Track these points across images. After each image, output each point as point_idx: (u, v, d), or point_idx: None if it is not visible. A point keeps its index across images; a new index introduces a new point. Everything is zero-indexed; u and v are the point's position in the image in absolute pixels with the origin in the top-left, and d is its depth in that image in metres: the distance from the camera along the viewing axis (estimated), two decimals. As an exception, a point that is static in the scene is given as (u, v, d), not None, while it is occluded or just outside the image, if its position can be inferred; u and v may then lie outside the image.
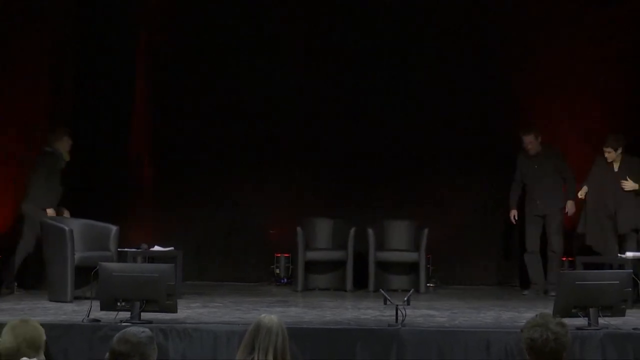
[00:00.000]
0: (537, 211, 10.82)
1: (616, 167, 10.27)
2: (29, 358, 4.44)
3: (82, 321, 7.50)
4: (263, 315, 4.31)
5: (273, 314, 4.37)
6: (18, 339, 4.44)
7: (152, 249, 10.15)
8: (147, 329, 4.28)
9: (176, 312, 7.60)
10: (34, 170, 10.36)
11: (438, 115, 11.84)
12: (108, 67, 11.72)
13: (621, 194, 10.19)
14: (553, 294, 10.48)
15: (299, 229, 11.15)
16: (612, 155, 10.23)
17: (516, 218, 11.04)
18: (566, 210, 10.80)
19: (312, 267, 11.25)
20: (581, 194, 10.39)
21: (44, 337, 4.55)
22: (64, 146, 10.48)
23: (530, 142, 10.79)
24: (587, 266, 9.73)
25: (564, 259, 11.18)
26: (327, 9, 11.87)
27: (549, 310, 7.18)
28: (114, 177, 11.83)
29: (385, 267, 11.22)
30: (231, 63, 11.96)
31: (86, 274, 8.63)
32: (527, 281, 11.06)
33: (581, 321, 7.30)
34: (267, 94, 11.93)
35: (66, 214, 10.53)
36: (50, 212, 10.25)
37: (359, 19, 11.85)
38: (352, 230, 11.11)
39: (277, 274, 11.73)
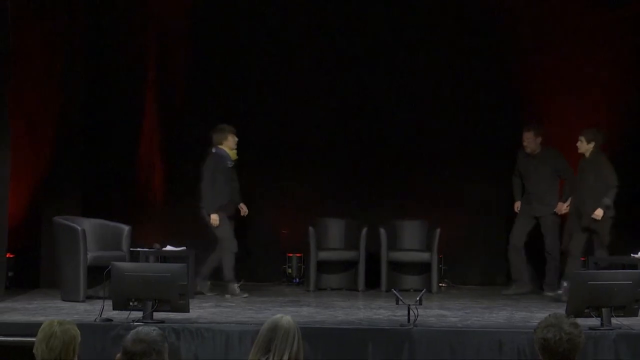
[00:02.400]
0: (532, 211, 10.81)
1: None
2: None
3: (95, 321, 7.53)
4: (279, 315, 4.30)
5: (287, 314, 4.35)
6: (52, 353, 4.48)
7: (164, 248, 10.16)
8: (156, 328, 4.30)
9: (188, 311, 7.61)
10: (202, 174, 10.29)
11: (450, 116, 11.82)
12: (119, 69, 11.75)
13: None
14: (550, 293, 10.47)
15: (311, 228, 11.16)
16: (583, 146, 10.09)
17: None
18: (557, 210, 10.68)
19: (324, 267, 11.26)
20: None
21: (79, 340, 4.57)
22: (229, 145, 10.34)
23: (528, 139, 10.74)
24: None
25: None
26: (335, 8, 11.84)
27: (562, 310, 7.18)
28: (126, 176, 11.85)
29: (397, 267, 11.21)
30: (243, 63, 11.96)
31: (99, 274, 8.64)
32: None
33: (594, 321, 7.29)
34: (278, 93, 11.93)
35: (243, 210, 10.54)
36: (213, 217, 10.15)
37: (367, 20, 11.83)
38: (364, 230, 11.10)
39: (289, 273, 11.73)
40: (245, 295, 10.10)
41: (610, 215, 9.91)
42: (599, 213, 9.82)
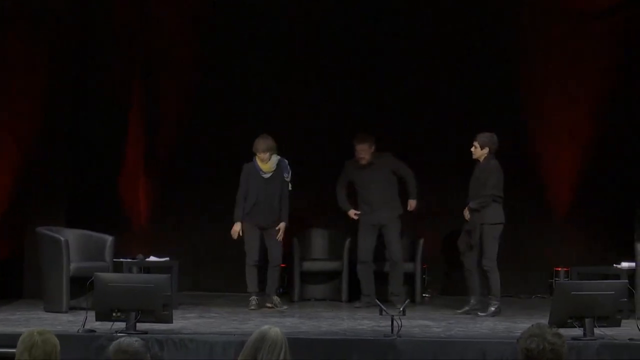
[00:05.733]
0: (373, 220, 10.61)
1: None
2: None
3: (78, 332, 7.52)
4: (267, 326, 4.30)
5: (274, 325, 4.35)
6: None
7: (147, 259, 10.15)
8: (139, 338, 4.29)
9: (172, 322, 7.61)
10: None
11: (435, 127, 11.82)
12: (105, 79, 11.72)
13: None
14: (399, 305, 10.38)
15: (294, 239, 11.16)
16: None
17: (357, 213, 10.75)
18: (410, 208, 10.61)
19: (308, 277, 11.26)
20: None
21: (59, 348, 4.55)
22: (261, 158, 10.11)
23: (364, 151, 10.53)
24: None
25: (558, 269, 11.17)
26: (334, 19, 11.85)
27: (546, 320, 7.20)
28: (110, 187, 11.81)
29: (381, 277, 11.20)
30: (228, 72, 11.93)
31: (82, 285, 8.62)
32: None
33: (577, 331, 7.31)
34: (263, 105, 11.91)
35: (279, 231, 10.20)
36: (235, 227, 10.06)
37: (364, 25, 11.81)
38: (348, 241, 11.10)
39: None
40: (253, 308, 9.95)
41: (494, 222, 9.66)
42: (465, 213, 9.75)
